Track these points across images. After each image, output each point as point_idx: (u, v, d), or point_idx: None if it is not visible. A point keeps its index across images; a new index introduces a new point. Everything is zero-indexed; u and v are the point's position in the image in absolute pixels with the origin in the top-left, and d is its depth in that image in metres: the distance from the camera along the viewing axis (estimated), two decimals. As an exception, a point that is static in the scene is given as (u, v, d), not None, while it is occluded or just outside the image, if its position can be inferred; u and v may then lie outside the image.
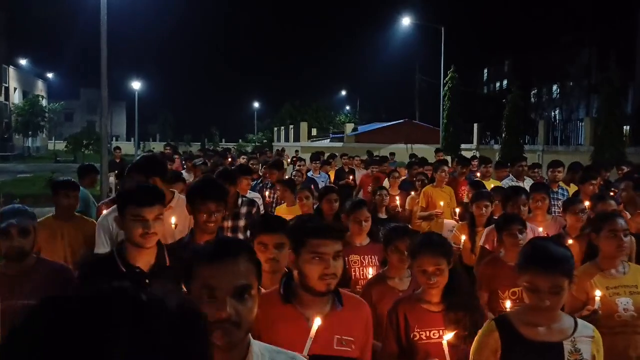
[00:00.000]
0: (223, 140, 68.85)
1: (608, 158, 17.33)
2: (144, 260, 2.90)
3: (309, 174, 11.43)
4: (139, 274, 2.84)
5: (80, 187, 6.63)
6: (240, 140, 64.41)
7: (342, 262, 2.39)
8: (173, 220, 4.00)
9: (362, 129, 36.21)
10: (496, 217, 5.45)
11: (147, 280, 2.83)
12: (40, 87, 60.91)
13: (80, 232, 4.62)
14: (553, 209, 7.41)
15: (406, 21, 29.53)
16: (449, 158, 19.02)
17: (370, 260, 4.28)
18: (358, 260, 4.33)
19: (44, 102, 52.03)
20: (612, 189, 7.68)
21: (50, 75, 64.76)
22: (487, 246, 5.07)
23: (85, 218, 4.96)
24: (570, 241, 4.94)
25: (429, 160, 12.61)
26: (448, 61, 27.53)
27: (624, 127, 20.13)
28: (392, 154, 18.05)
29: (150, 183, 3.93)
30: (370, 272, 4.12)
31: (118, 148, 14.78)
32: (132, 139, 59.94)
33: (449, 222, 7.36)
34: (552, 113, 41.04)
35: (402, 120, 35.70)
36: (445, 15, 41.15)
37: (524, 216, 5.01)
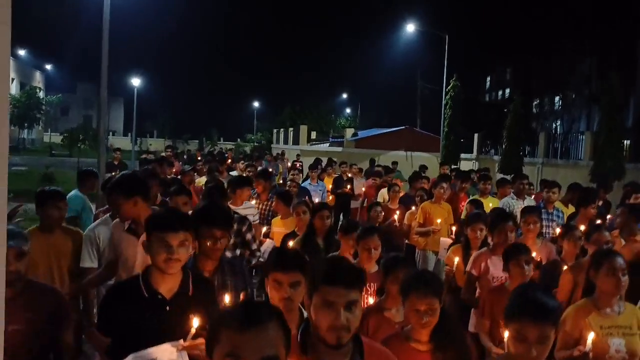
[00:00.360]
0: (221, 139, 68.65)
1: (610, 166, 17.39)
2: (167, 286, 2.87)
3: (307, 182, 11.43)
4: (160, 301, 2.83)
5: (79, 192, 6.67)
6: (239, 140, 64.27)
7: (358, 312, 2.17)
8: None
9: (362, 134, 36.17)
10: (490, 242, 5.43)
11: (167, 307, 2.82)
12: (38, 79, 60.33)
13: (68, 243, 4.56)
14: (548, 230, 7.42)
15: (410, 27, 29.51)
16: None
17: (375, 288, 4.15)
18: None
19: (41, 94, 51.80)
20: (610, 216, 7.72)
21: (48, 67, 64.15)
22: (474, 272, 5.04)
23: (72, 228, 4.86)
24: (564, 267, 4.96)
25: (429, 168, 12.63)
26: (450, 68, 27.55)
27: (624, 141, 20.12)
28: (395, 163, 17.97)
29: (131, 203, 3.85)
30: (371, 301, 4.02)
31: (118, 149, 14.49)
32: (129, 134, 59.75)
33: (445, 240, 7.34)
34: (554, 125, 41.09)
35: (402, 127, 35.67)
36: (449, 22, 41.16)
37: (511, 241, 4.98)
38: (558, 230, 6.80)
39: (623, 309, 3.55)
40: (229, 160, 18.00)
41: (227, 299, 3.15)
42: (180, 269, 2.89)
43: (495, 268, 4.88)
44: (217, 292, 3.26)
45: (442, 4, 59.38)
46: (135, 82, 33.77)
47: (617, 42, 32.50)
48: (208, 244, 3.42)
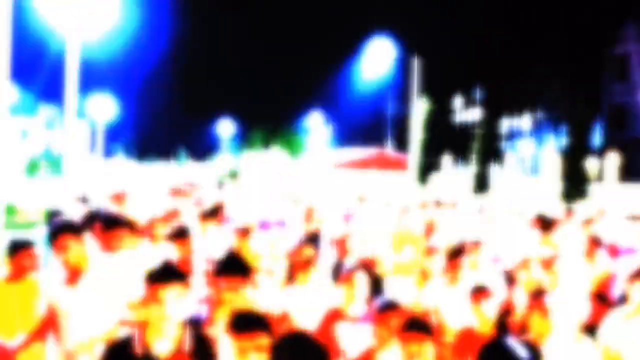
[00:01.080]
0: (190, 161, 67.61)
1: (575, 188, 17.78)
2: (163, 343, 2.77)
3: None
4: None
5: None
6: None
7: None
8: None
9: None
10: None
11: None
12: (0, 107, 59.12)
13: (35, 293, 4.34)
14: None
15: (381, 49, 29.72)
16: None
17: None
18: None
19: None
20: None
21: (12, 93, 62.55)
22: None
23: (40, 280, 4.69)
24: None
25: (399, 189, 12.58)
26: (421, 87, 27.77)
27: (590, 158, 20.47)
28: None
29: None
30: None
31: None
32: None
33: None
34: (522, 143, 41.80)
35: (373, 148, 35.81)
36: (420, 43, 41.64)
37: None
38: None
39: None
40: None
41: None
42: (178, 324, 2.79)
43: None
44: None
45: (412, 26, 60.20)
46: (102, 114, 32.33)
47: (584, 65, 33.34)
48: (227, 292, 3.35)
